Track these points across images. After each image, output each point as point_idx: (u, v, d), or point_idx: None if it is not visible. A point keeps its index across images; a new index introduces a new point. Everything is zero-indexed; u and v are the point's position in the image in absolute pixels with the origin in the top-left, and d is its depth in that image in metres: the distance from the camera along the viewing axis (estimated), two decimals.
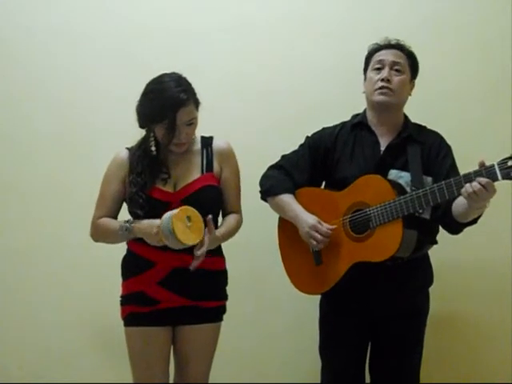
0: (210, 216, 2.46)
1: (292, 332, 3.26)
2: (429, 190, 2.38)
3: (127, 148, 2.64)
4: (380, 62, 2.63)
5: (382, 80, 2.59)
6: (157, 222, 2.39)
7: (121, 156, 2.63)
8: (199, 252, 2.43)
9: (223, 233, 2.57)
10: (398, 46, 2.65)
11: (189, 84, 2.54)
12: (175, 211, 2.36)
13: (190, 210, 2.39)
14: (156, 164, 2.57)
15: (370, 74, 2.65)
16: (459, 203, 2.40)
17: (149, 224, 2.44)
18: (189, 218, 2.37)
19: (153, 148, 2.60)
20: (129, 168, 2.59)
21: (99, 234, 2.62)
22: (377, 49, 2.67)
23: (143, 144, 2.61)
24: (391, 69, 2.61)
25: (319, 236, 2.54)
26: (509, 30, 3.19)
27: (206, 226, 2.44)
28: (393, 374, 2.62)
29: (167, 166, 2.59)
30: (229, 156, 2.66)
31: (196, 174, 2.59)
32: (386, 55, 2.63)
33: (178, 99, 2.47)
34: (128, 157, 2.61)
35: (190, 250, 2.44)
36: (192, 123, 2.54)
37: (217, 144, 2.65)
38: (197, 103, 2.55)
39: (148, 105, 2.51)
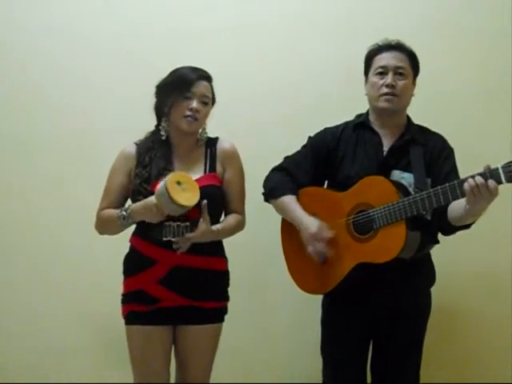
0: (204, 201, 2.46)
1: (292, 332, 3.27)
2: (432, 192, 2.35)
3: (135, 143, 2.67)
4: (383, 67, 2.59)
5: (387, 86, 2.56)
6: (151, 198, 2.43)
7: (128, 150, 2.66)
8: (190, 235, 2.46)
9: (219, 228, 2.56)
10: (399, 47, 2.61)
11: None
12: (167, 177, 2.38)
13: (180, 175, 2.43)
14: (162, 158, 2.58)
15: (373, 78, 2.61)
16: (456, 206, 2.39)
17: (145, 202, 2.46)
18: (180, 182, 2.39)
19: (163, 133, 2.61)
20: (136, 162, 2.61)
21: (102, 224, 2.64)
22: (377, 51, 2.63)
23: (152, 137, 2.65)
24: (395, 74, 2.57)
25: (320, 245, 2.53)
26: (509, 30, 3.20)
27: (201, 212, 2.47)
28: (393, 373, 2.63)
29: (171, 163, 2.60)
30: (232, 157, 2.67)
31: (199, 172, 2.60)
32: (388, 60, 2.58)
33: (196, 73, 2.58)
34: (136, 151, 2.64)
35: (191, 249, 2.48)
36: (205, 102, 2.58)
37: (221, 145, 2.67)
38: (213, 92, 2.63)
39: (166, 81, 2.59)
